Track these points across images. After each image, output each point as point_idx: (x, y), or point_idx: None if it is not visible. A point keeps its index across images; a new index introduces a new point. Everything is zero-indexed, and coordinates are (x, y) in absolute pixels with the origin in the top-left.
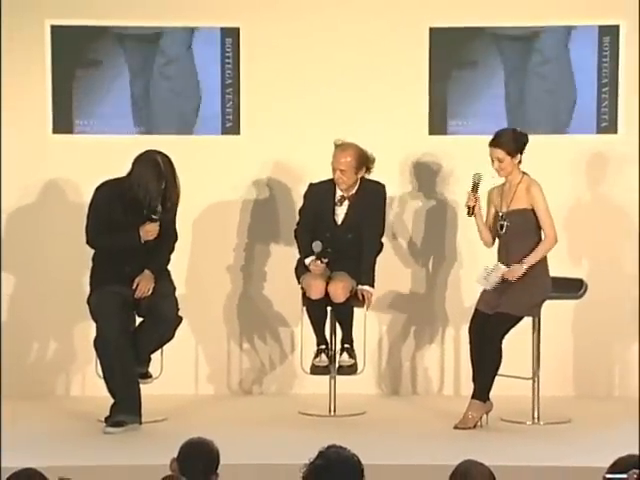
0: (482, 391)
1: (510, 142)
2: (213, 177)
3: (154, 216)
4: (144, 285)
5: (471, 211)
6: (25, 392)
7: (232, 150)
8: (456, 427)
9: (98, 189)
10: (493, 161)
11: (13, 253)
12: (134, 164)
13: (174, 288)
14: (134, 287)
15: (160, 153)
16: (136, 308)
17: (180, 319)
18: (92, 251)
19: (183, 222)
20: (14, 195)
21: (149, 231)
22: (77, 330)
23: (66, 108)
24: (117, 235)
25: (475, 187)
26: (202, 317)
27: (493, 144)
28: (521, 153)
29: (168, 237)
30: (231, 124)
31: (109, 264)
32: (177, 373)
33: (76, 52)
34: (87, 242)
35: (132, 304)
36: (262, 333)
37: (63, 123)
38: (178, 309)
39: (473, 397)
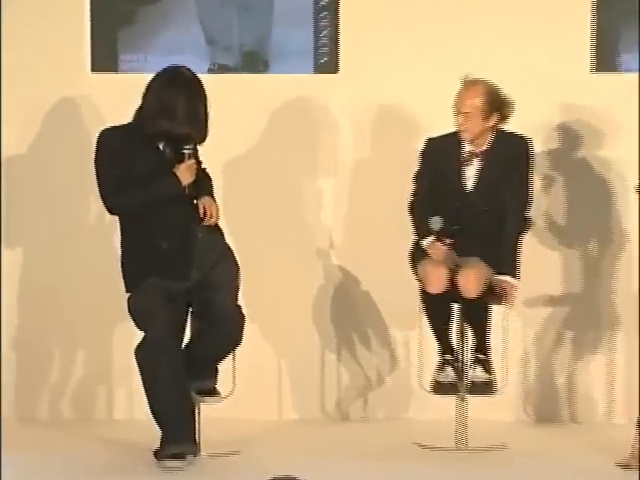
0: None
1: None
2: (300, 128)
3: (187, 149)
4: (208, 206)
5: None
6: (57, 416)
7: (327, 93)
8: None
9: (103, 134)
10: None
11: (32, 226)
12: (149, 88)
13: (237, 270)
14: (202, 212)
15: (185, 67)
16: (189, 302)
17: (242, 317)
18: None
19: (257, 187)
20: (44, 147)
21: (187, 170)
22: (117, 336)
23: (109, 40)
24: (146, 186)
25: None
26: (286, 318)
27: None
28: None
29: (205, 182)
30: (326, 59)
31: (142, 245)
32: (254, 391)
33: None
34: (107, 204)
35: (183, 299)
36: (366, 339)
37: (105, 59)
38: (237, 300)
39: None
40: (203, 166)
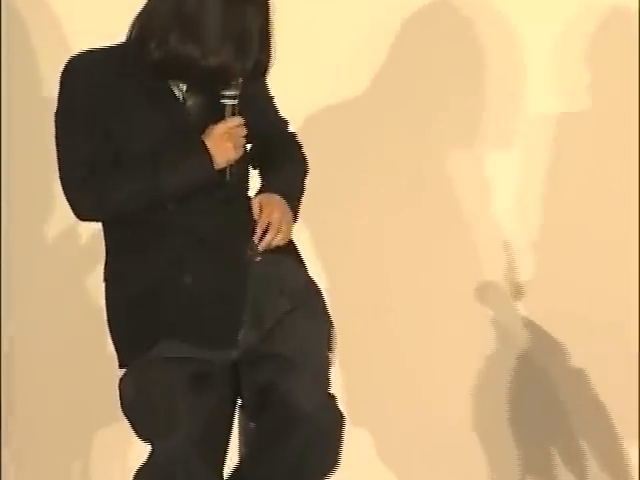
0: None
1: None
2: (450, 58)
3: (229, 96)
4: (268, 211)
5: None
6: None
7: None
8: None
9: (72, 64)
10: None
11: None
12: None
13: (328, 328)
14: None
15: None
16: (236, 389)
17: (340, 416)
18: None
19: (367, 165)
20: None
21: (229, 137)
22: (98, 450)
23: None
24: (150, 167)
25: None
26: (425, 417)
27: None
28: None
29: (279, 163)
30: None
31: (146, 281)
32: None
33: None
34: (74, 199)
35: (225, 381)
36: (577, 457)
37: None
38: (329, 386)
39: None
40: (290, 130)
